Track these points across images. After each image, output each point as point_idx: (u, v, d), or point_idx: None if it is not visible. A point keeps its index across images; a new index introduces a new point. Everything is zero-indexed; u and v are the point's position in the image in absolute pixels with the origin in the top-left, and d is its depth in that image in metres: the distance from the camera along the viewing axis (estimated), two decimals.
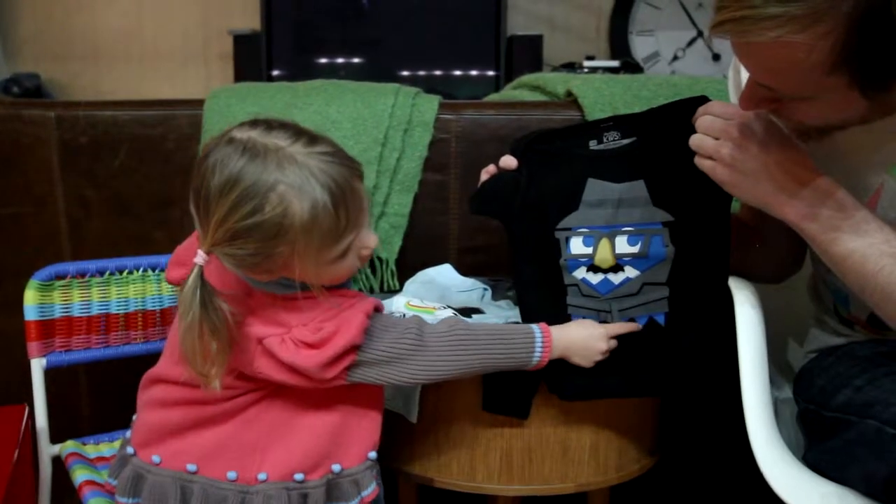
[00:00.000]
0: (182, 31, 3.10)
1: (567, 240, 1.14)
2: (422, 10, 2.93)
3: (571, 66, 2.91)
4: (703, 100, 1.04)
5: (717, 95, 1.08)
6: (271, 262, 0.95)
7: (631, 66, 2.91)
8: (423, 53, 2.94)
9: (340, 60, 2.96)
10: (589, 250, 1.13)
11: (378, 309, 1.03)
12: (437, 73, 2.93)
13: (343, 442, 1.04)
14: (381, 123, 1.48)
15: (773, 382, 1.12)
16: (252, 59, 2.85)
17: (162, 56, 3.12)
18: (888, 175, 1.00)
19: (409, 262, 1.51)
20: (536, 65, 2.82)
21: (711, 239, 1.10)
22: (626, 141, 1.13)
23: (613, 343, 1.11)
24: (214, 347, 0.94)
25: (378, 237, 1.48)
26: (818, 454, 1.01)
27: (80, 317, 1.29)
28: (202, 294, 0.93)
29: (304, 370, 0.97)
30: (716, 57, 3.10)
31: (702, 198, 1.07)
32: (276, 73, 2.89)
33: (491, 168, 1.19)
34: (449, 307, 1.25)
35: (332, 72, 2.91)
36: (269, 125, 0.97)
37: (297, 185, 0.93)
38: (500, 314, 1.28)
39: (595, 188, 1.12)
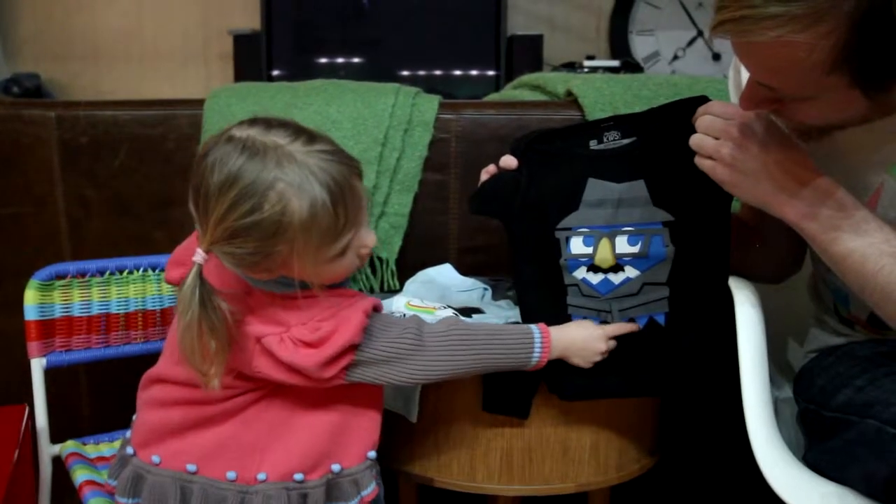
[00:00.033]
0: (182, 31, 3.10)
1: (567, 240, 1.14)
2: (422, 10, 2.93)
3: (571, 66, 2.91)
4: (704, 99, 1.04)
5: (718, 95, 1.08)
6: (270, 260, 0.95)
7: (631, 65, 2.91)
8: (423, 53, 2.94)
9: (340, 60, 2.96)
10: (589, 250, 1.13)
11: (377, 308, 1.03)
12: (437, 72, 2.93)
13: (342, 442, 1.04)
14: (382, 123, 1.48)
15: (774, 382, 1.12)
16: (252, 59, 2.84)
17: (162, 56, 3.12)
18: (888, 175, 1.00)
19: (409, 262, 1.51)
20: (536, 64, 2.82)
21: (711, 239, 1.10)
22: (626, 141, 1.13)
23: (612, 344, 1.11)
24: (213, 346, 0.94)
25: (378, 237, 1.50)
26: (818, 454, 1.01)
27: (81, 317, 1.29)
28: (201, 293, 0.93)
29: (303, 369, 0.97)
30: (716, 57, 3.10)
31: (702, 198, 1.07)
32: (276, 73, 2.89)
33: (491, 168, 1.19)
34: (449, 307, 1.25)
35: (332, 72, 2.91)
36: (269, 123, 0.97)
37: (297, 184, 0.93)
38: (501, 314, 1.28)
39: (595, 188, 1.12)
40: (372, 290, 1.52)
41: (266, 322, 0.98)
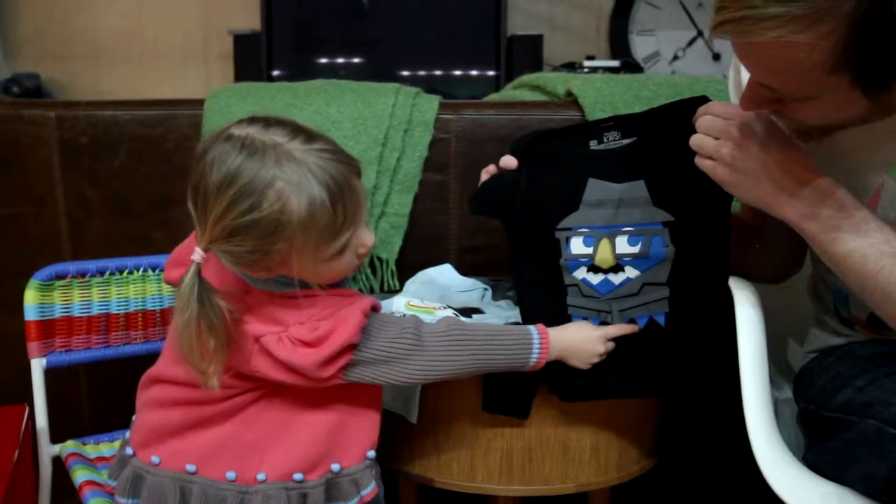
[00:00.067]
0: (182, 31, 3.10)
1: (567, 240, 1.14)
2: (422, 10, 2.93)
3: (571, 66, 2.91)
4: (704, 100, 1.04)
5: (718, 95, 1.08)
6: (269, 258, 0.95)
7: (631, 65, 2.91)
8: (423, 53, 2.94)
9: (340, 60, 2.96)
10: (589, 250, 1.13)
11: (375, 308, 1.03)
12: (438, 73, 2.93)
13: (342, 441, 1.04)
14: (382, 123, 1.48)
15: (773, 382, 1.12)
16: (252, 59, 2.84)
17: (162, 56, 3.12)
18: (888, 175, 1.00)
19: (410, 262, 1.51)
20: (536, 65, 2.82)
21: (712, 239, 1.10)
22: (626, 141, 1.13)
23: (611, 345, 1.11)
24: (212, 345, 0.94)
25: (378, 237, 1.50)
26: (818, 454, 1.01)
27: (81, 317, 1.29)
28: (199, 291, 0.93)
29: (301, 368, 0.97)
30: (716, 57, 3.10)
31: (702, 198, 1.07)
32: (276, 73, 2.89)
33: (491, 168, 1.18)
34: (449, 307, 1.25)
35: (332, 72, 2.91)
36: (267, 122, 0.97)
37: (295, 182, 0.93)
38: (501, 314, 1.28)
39: (595, 188, 1.12)
40: (372, 291, 1.52)
41: (264, 321, 0.98)
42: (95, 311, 1.30)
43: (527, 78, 1.77)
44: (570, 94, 1.54)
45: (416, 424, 1.20)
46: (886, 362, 1.02)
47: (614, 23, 3.12)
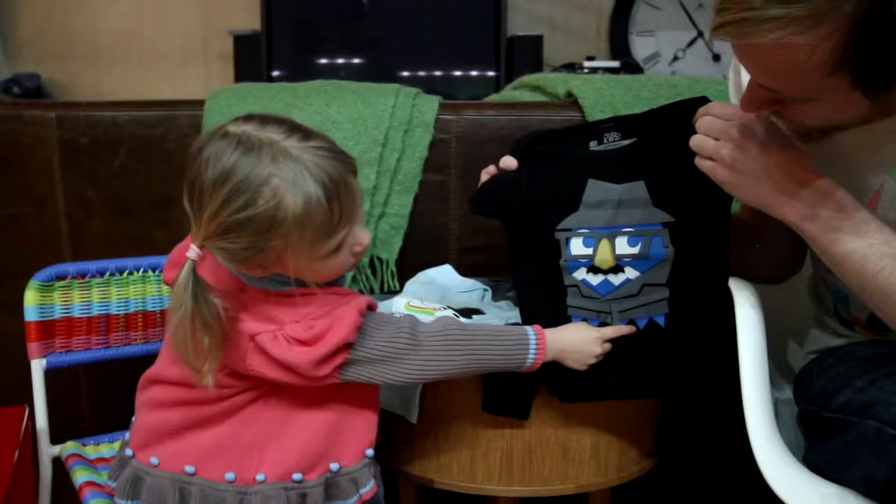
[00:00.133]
0: (182, 31, 3.10)
1: (567, 240, 1.14)
2: (422, 10, 2.93)
3: (572, 67, 2.91)
4: (704, 100, 1.04)
5: (718, 96, 1.07)
6: (264, 256, 0.95)
7: (631, 66, 2.91)
8: (423, 54, 2.94)
9: (340, 61, 2.96)
10: (589, 251, 1.13)
11: (371, 307, 1.03)
12: (438, 73, 2.93)
13: (340, 440, 1.04)
14: (382, 124, 1.48)
15: (774, 383, 1.12)
16: (252, 59, 2.85)
17: (162, 56, 3.12)
18: (888, 176, 1.00)
19: (410, 263, 1.51)
20: (536, 65, 2.82)
21: (711, 240, 1.10)
22: (626, 142, 1.13)
23: (607, 346, 1.11)
24: (206, 342, 0.94)
25: (378, 238, 1.50)
26: (818, 455, 1.01)
27: (81, 317, 1.29)
28: (194, 288, 0.92)
29: (296, 367, 0.97)
30: (716, 57, 3.10)
31: (702, 199, 1.07)
32: (276, 73, 2.89)
33: (491, 168, 1.19)
34: (449, 308, 1.25)
35: (332, 72, 2.91)
36: (264, 120, 0.97)
37: (291, 179, 0.93)
38: (501, 315, 1.28)
39: (595, 189, 1.12)
40: (372, 291, 1.52)
41: (260, 319, 0.98)
42: (95, 311, 1.30)
43: (527, 78, 1.77)
44: (570, 94, 1.54)
45: (416, 425, 1.20)
46: (886, 363, 1.02)
47: (614, 23, 3.12)
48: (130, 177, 1.52)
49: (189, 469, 1.01)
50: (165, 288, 1.34)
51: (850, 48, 0.82)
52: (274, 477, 1.01)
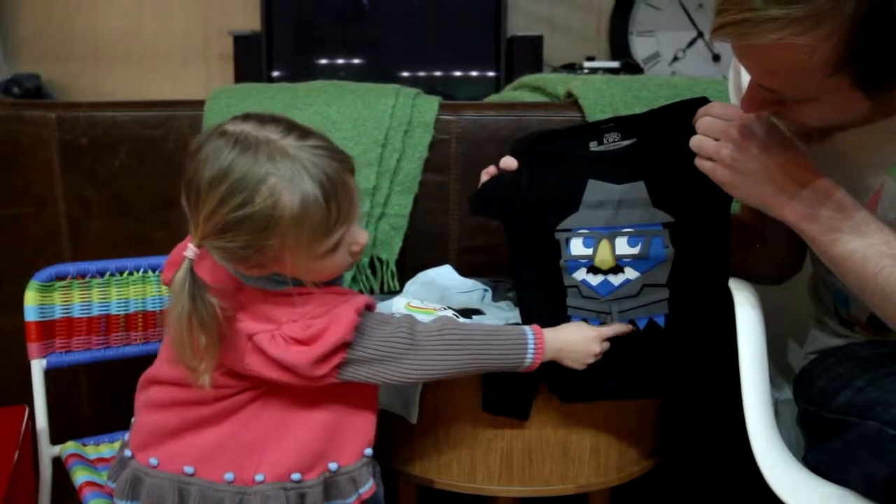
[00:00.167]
0: (182, 31, 3.10)
1: (567, 241, 1.14)
2: (422, 11, 2.93)
3: (572, 67, 2.91)
4: (704, 101, 1.04)
5: (718, 96, 1.08)
6: (261, 255, 0.95)
7: (631, 66, 2.91)
8: (423, 54, 2.94)
9: (340, 61, 2.96)
10: (589, 251, 1.13)
11: (370, 307, 1.03)
12: (438, 73, 2.94)
13: (339, 440, 1.04)
14: (382, 124, 1.48)
15: (774, 383, 1.12)
16: (252, 59, 2.85)
17: (162, 56, 3.12)
18: (888, 176, 1.00)
19: (410, 263, 1.51)
20: (537, 65, 2.82)
21: (711, 240, 1.10)
22: (626, 142, 1.13)
23: (606, 346, 1.11)
24: (204, 341, 0.94)
25: (378, 238, 1.50)
26: (818, 455, 1.01)
27: (81, 317, 1.29)
28: (191, 287, 0.92)
29: (294, 367, 0.97)
30: (716, 58, 3.10)
31: (702, 199, 1.07)
32: (276, 73, 2.90)
33: (491, 169, 1.19)
34: (449, 308, 1.25)
35: (332, 72, 2.91)
36: (262, 119, 0.97)
37: (288, 178, 0.92)
38: (501, 315, 1.28)
39: (595, 189, 1.12)
40: (372, 292, 1.52)
41: (257, 319, 0.98)
42: (95, 311, 1.30)
43: (527, 79, 1.77)
44: (570, 95, 1.54)
45: (416, 425, 1.20)
46: (886, 363, 1.02)
47: (614, 23, 3.12)
48: (130, 177, 1.52)
49: (188, 469, 1.01)
50: (165, 288, 1.34)
51: (851, 48, 0.82)
52: (273, 477, 1.01)
